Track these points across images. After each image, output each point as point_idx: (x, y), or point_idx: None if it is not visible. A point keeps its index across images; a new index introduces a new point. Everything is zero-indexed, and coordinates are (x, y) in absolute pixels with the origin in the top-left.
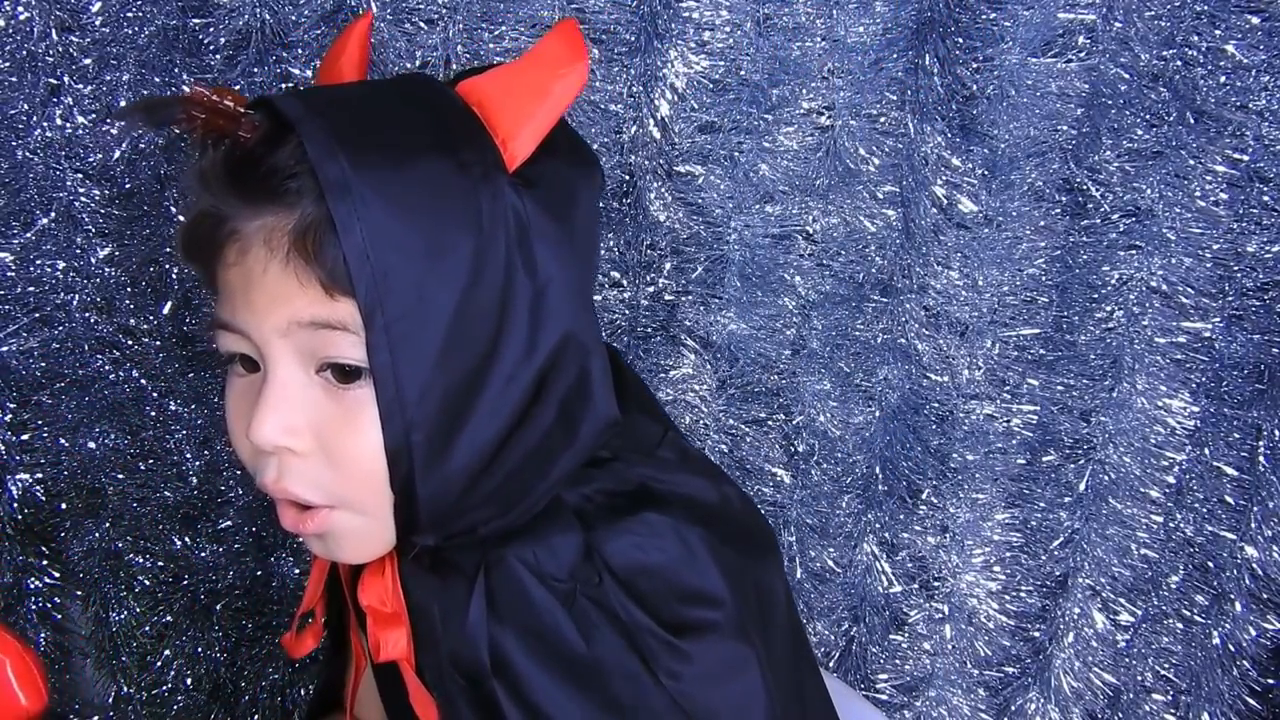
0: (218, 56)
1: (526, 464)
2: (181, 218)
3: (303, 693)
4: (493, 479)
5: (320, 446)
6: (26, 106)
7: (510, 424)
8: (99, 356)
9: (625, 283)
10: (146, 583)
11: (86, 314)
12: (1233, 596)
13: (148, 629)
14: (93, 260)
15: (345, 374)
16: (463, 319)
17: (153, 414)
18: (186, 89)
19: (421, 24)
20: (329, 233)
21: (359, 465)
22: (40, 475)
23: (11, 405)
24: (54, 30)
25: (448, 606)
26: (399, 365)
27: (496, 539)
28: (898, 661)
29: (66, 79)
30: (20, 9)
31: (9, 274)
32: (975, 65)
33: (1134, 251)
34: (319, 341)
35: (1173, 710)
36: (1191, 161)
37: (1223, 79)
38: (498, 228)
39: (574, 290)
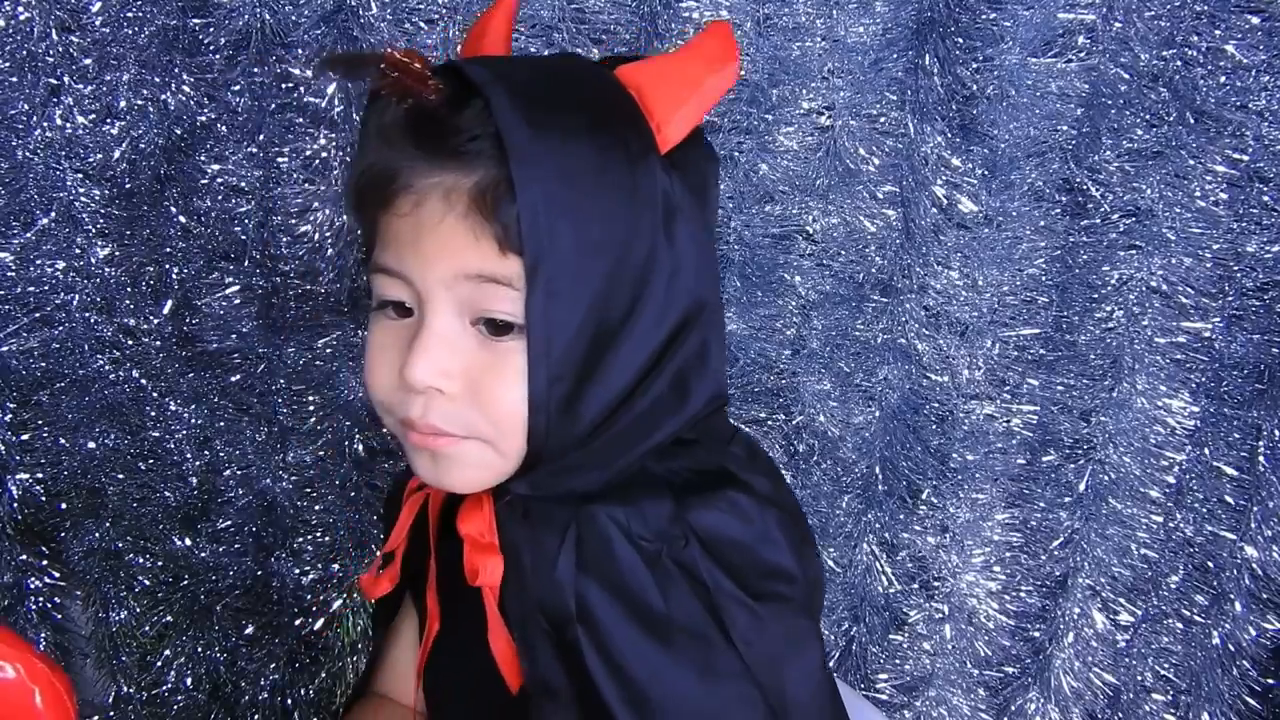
0: (218, 56)
1: (636, 426)
2: (351, 168)
3: (303, 692)
4: (604, 436)
5: (467, 389)
6: (26, 106)
7: (631, 386)
8: (99, 356)
9: None
10: (146, 583)
11: (86, 314)
12: (1233, 596)
13: (148, 629)
14: (93, 260)
15: (498, 327)
16: (610, 284)
17: (153, 414)
18: (186, 88)
19: (421, 24)
20: (506, 193)
21: (502, 409)
22: (40, 475)
23: (11, 405)
24: (54, 30)
25: (538, 554)
26: (551, 321)
27: (589, 497)
28: (898, 661)
29: (66, 79)
30: (20, 9)
31: (9, 274)
32: (975, 65)
33: (1134, 251)
34: (480, 295)
35: (1173, 710)
36: (1191, 161)
37: (1223, 79)
38: (648, 203)
39: (705, 266)
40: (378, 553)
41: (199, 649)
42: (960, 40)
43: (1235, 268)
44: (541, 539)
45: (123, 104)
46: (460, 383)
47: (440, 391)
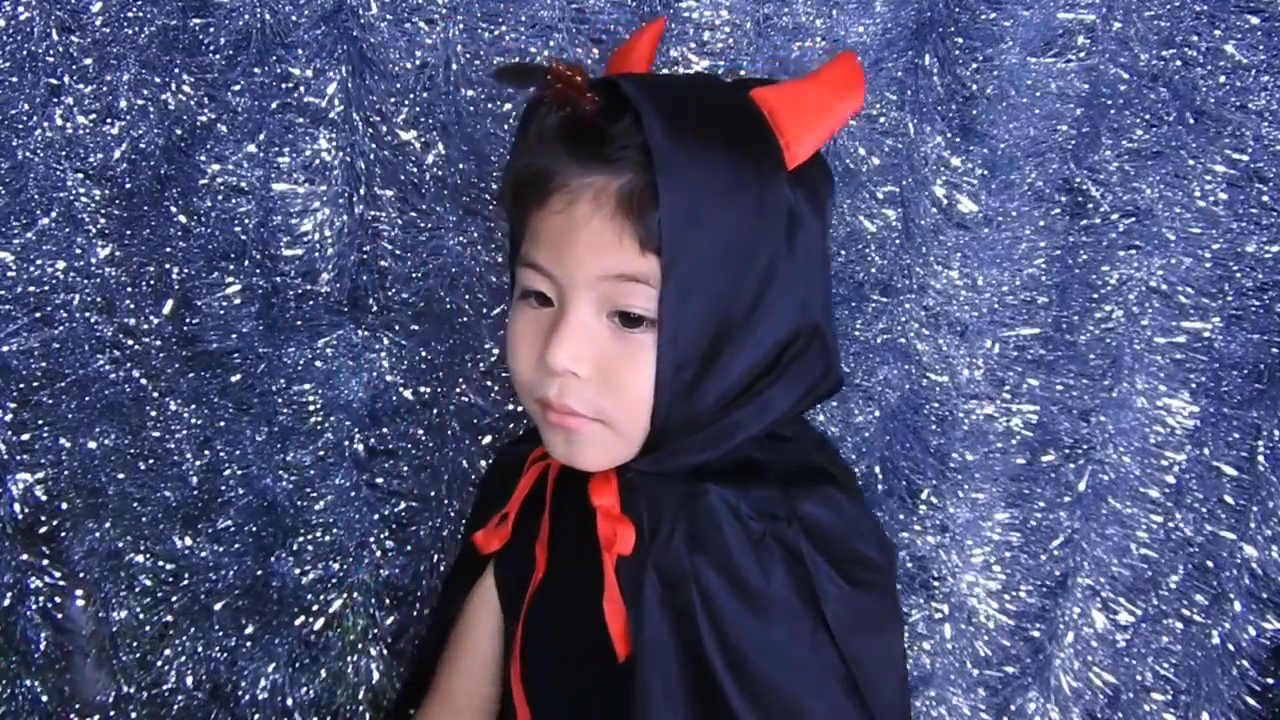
0: (218, 56)
1: (747, 415)
2: (506, 169)
3: (303, 692)
4: (719, 423)
5: (599, 375)
6: (26, 106)
7: (747, 379)
8: (99, 356)
9: None
10: (146, 583)
11: (86, 314)
12: (1233, 596)
13: (148, 629)
14: (93, 260)
15: (631, 320)
16: (735, 286)
17: (153, 414)
18: (186, 88)
19: (421, 24)
20: (650, 198)
21: (630, 394)
22: (40, 475)
23: (11, 405)
24: (54, 30)
25: (656, 524)
26: (680, 316)
27: (701, 476)
28: None
29: (66, 79)
30: (20, 9)
31: (9, 274)
32: (975, 65)
33: (1134, 251)
34: (619, 291)
35: (1172, 710)
36: (1191, 161)
37: (1223, 79)
38: (774, 215)
39: (820, 274)
40: (499, 513)
41: (199, 649)
42: (960, 40)
43: (1235, 268)
44: (659, 511)
45: (123, 104)
46: (593, 368)
47: (575, 375)
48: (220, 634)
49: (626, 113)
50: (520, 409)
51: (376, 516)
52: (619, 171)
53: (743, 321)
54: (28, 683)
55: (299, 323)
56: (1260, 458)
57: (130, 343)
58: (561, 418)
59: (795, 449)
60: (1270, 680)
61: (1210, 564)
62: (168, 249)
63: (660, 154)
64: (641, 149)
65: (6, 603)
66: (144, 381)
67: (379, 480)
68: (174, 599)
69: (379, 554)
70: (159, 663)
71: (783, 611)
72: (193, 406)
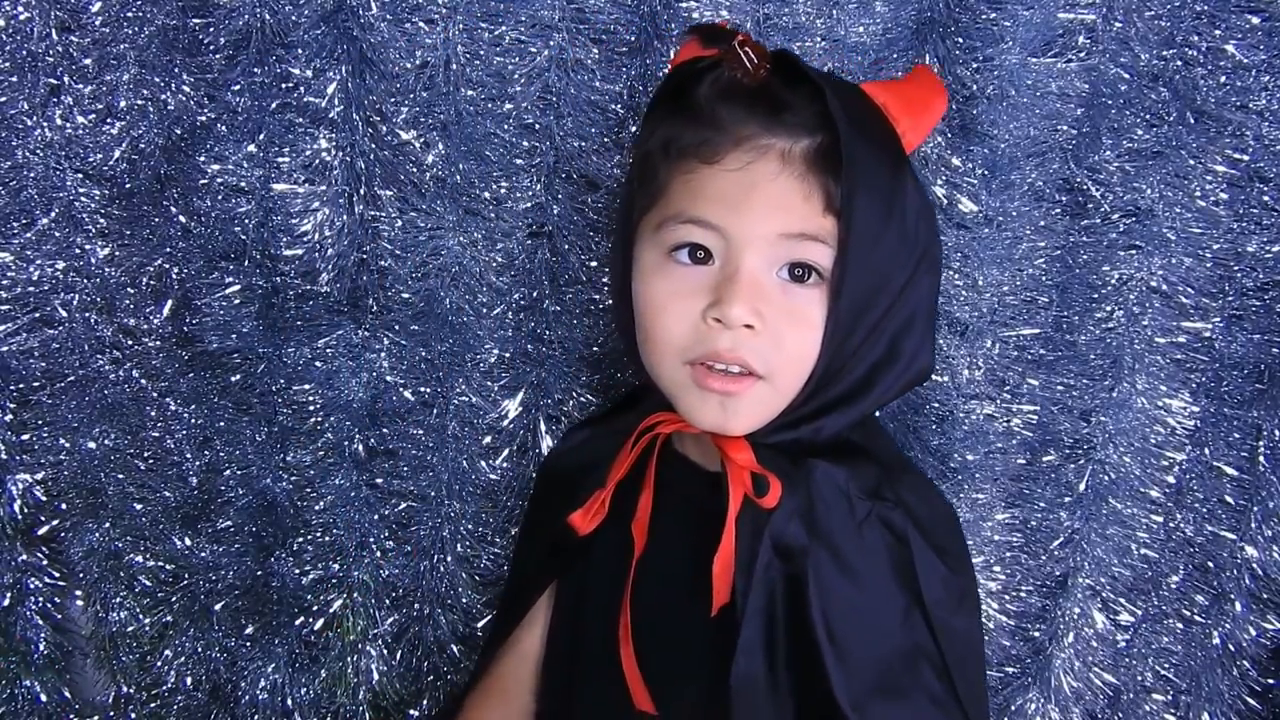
0: (218, 56)
1: (882, 384)
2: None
3: (303, 692)
4: (855, 389)
5: (771, 330)
6: (26, 106)
7: (889, 351)
8: (99, 356)
9: None
10: (147, 583)
11: (86, 314)
12: (1233, 596)
13: (148, 629)
14: (93, 260)
15: (801, 276)
16: (896, 253)
17: (153, 414)
18: (186, 88)
19: (421, 24)
20: (836, 162)
21: (799, 350)
22: (40, 475)
23: (11, 405)
24: (54, 30)
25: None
26: (855, 275)
27: (814, 452)
28: None
29: (66, 79)
30: (20, 9)
31: (9, 274)
32: (975, 65)
33: (1134, 251)
34: (796, 248)
35: (1173, 710)
36: (1191, 161)
37: (1223, 79)
38: (908, 190)
39: (935, 253)
40: (596, 493)
41: (199, 649)
42: (960, 40)
43: (1235, 268)
44: (780, 479)
45: (123, 104)
46: (766, 323)
47: (750, 329)
48: (220, 634)
49: (800, 83)
50: (521, 409)
51: (376, 516)
52: (800, 135)
53: (897, 292)
54: (28, 683)
55: (299, 323)
56: (1260, 458)
57: (130, 343)
58: (727, 383)
59: (884, 439)
60: (1270, 680)
61: (1210, 564)
62: (168, 249)
63: (843, 120)
64: (818, 117)
65: (6, 603)
66: (144, 381)
67: (379, 480)
68: (174, 599)
69: (379, 554)
70: (159, 663)
71: (882, 593)
72: (193, 406)
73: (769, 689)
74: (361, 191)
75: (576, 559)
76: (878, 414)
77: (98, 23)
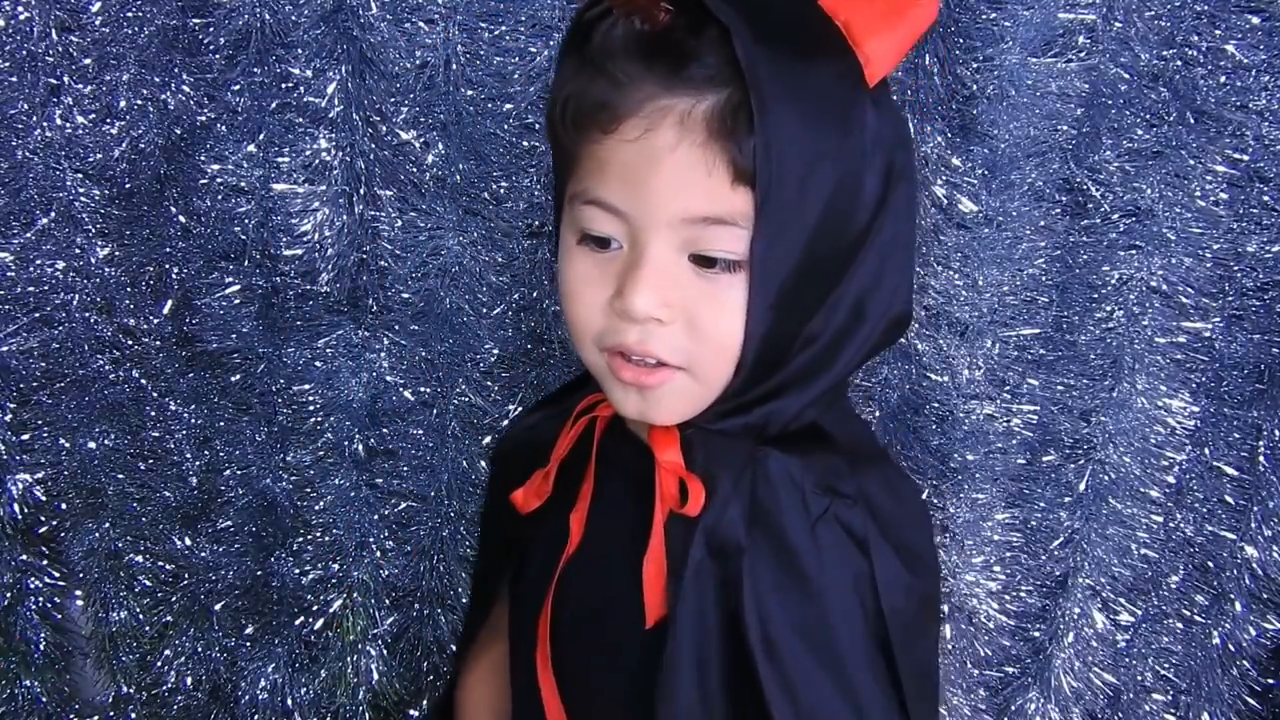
0: (218, 56)
1: (823, 350)
2: (563, 90)
3: (303, 692)
4: (800, 368)
5: (684, 319)
6: (26, 106)
7: (838, 323)
8: (99, 356)
9: None
10: (146, 583)
11: (86, 314)
12: (1233, 596)
13: (148, 629)
14: (93, 260)
15: (712, 261)
16: (824, 219)
17: (153, 414)
18: (186, 88)
19: (421, 24)
20: (745, 121)
21: (719, 340)
22: (40, 475)
23: (11, 405)
24: (54, 30)
25: (710, 488)
26: (773, 257)
27: (766, 440)
28: None
29: (66, 79)
30: (20, 9)
31: (9, 274)
32: (975, 65)
33: (1134, 251)
34: (702, 235)
35: (1173, 710)
36: (1191, 161)
37: (1223, 79)
38: (859, 137)
39: (907, 200)
40: (537, 473)
41: (199, 649)
42: (960, 40)
43: (1235, 268)
44: (716, 473)
45: (123, 104)
46: (677, 313)
47: (659, 321)
48: (220, 634)
49: (708, 25)
50: (521, 409)
51: (376, 516)
52: (705, 91)
53: (851, 250)
54: (28, 683)
55: (299, 323)
56: (1260, 458)
57: (130, 343)
58: (638, 374)
59: (856, 424)
60: (1270, 680)
61: (1210, 564)
62: (168, 249)
63: (756, 72)
64: (730, 65)
65: (6, 603)
66: (144, 381)
67: (379, 480)
68: (174, 599)
69: (379, 554)
70: (159, 663)
71: (834, 599)
72: (193, 406)
73: (700, 708)
74: (361, 191)
75: (528, 543)
76: (876, 411)
77: (98, 23)
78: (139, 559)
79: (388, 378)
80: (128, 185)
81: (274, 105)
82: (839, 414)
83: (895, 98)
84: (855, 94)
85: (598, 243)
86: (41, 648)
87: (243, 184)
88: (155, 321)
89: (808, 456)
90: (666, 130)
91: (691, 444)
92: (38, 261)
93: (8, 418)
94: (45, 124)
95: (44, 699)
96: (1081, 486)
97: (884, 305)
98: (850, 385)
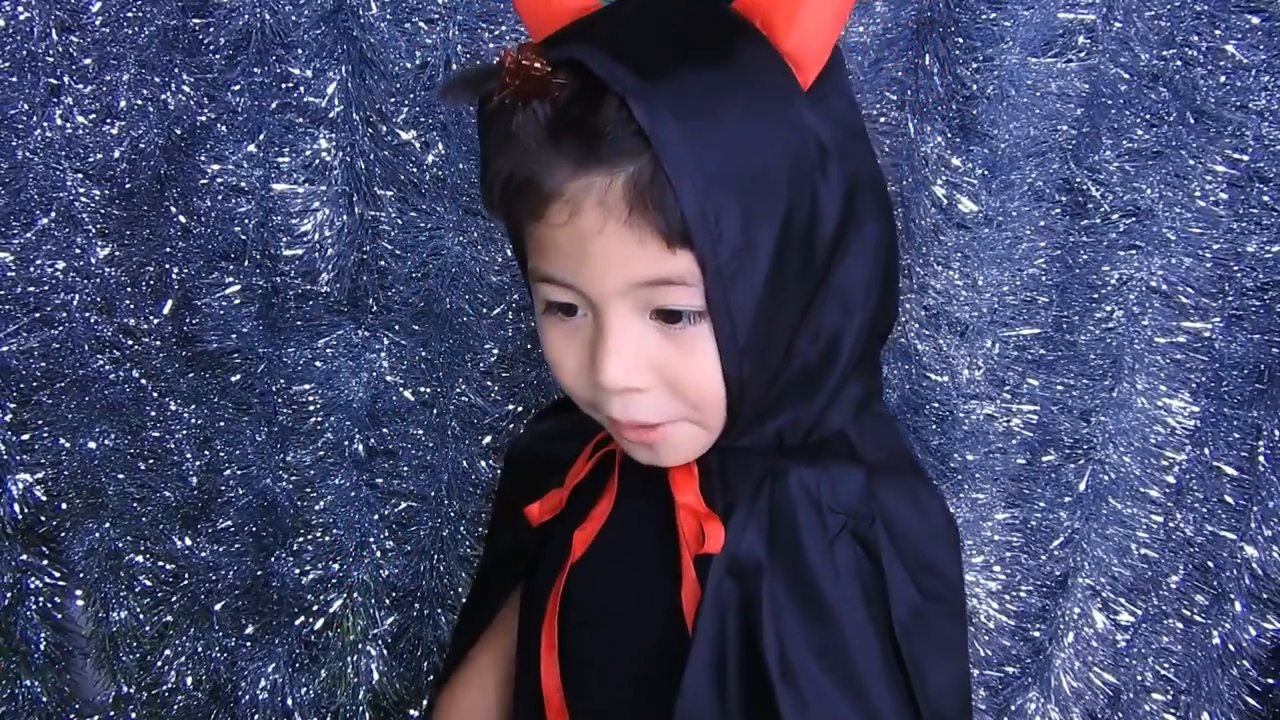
0: (218, 56)
1: (820, 355)
2: (486, 175)
3: (303, 692)
4: (789, 373)
5: (661, 380)
6: (26, 106)
7: (808, 323)
8: (99, 356)
9: None
10: (147, 583)
11: (86, 314)
12: (1233, 596)
13: (148, 629)
14: (93, 260)
15: (675, 315)
16: (782, 248)
17: (153, 414)
18: (186, 88)
19: (421, 24)
20: (664, 188)
21: (700, 391)
22: (40, 475)
23: (11, 405)
24: (54, 30)
25: (728, 510)
26: (732, 301)
27: (782, 453)
28: None
29: (66, 79)
30: (20, 9)
31: (9, 274)
32: (975, 65)
33: (1134, 251)
34: (655, 295)
35: (1173, 710)
36: (1191, 161)
37: (1223, 79)
38: (803, 153)
39: (877, 197)
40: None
41: (199, 649)
42: (960, 40)
43: (1235, 268)
44: (734, 497)
45: (123, 104)
46: (651, 375)
47: (637, 390)
48: (220, 634)
49: (607, 93)
50: (521, 409)
51: (376, 516)
52: (617, 166)
53: (798, 279)
54: (28, 683)
55: (299, 323)
56: (1260, 458)
57: (130, 343)
58: (640, 434)
59: (888, 432)
60: (1270, 680)
61: (1210, 564)
62: (168, 249)
63: (661, 139)
64: (638, 132)
65: (6, 603)
66: (144, 381)
67: (379, 480)
68: (174, 599)
69: (379, 554)
70: (159, 663)
71: (850, 617)
72: (193, 406)
73: None
74: (361, 191)
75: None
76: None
77: (98, 23)
78: (139, 559)
79: (388, 378)
80: (128, 185)
81: (274, 105)
82: (871, 421)
83: (895, 97)
84: (787, 109)
85: (564, 310)
86: (41, 648)
87: (243, 184)
88: (155, 321)
89: (827, 470)
90: (589, 212)
91: (710, 472)
92: (38, 261)
93: (8, 418)
94: (45, 124)
95: (44, 699)
96: (1081, 486)
97: (868, 295)
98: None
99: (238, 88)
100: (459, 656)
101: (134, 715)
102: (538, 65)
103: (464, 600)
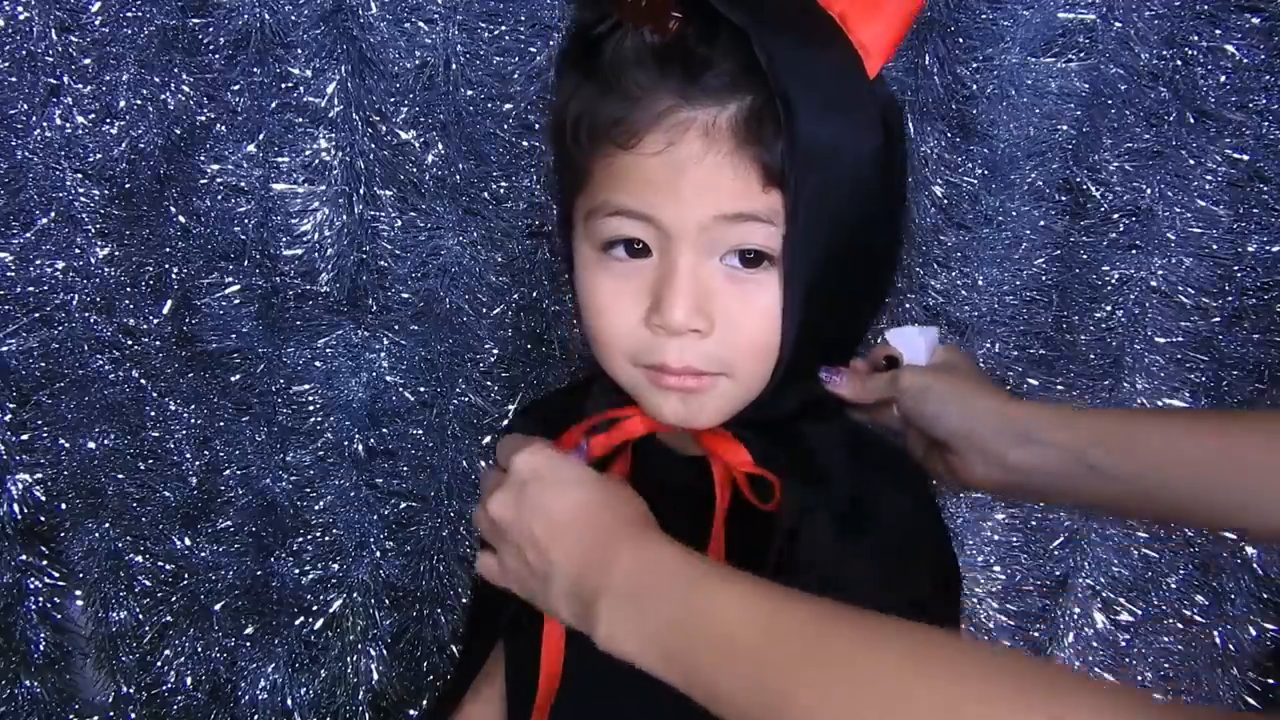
0: (217, 56)
1: (850, 330)
2: (567, 103)
3: (303, 692)
4: (828, 334)
5: (721, 326)
6: (26, 106)
7: (860, 306)
8: (99, 356)
9: None
10: (146, 583)
11: (86, 314)
12: (1233, 596)
13: (148, 629)
14: (93, 260)
15: (749, 260)
16: (850, 210)
17: (153, 414)
18: (186, 88)
19: (421, 24)
20: (769, 122)
21: (756, 343)
22: (40, 475)
23: (11, 405)
24: (54, 30)
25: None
26: (806, 254)
27: (795, 417)
28: None
29: (66, 79)
30: (20, 9)
31: (9, 274)
32: (975, 65)
33: (1134, 251)
34: (736, 232)
35: None
36: (1191, 161)
37: (1223, 79)
38: (874, 123)
39: (903, 188)
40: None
41: (199, 649)
42: (960, 40)
43: (1235, 268)
44: (779, 463)
45: (122, 104)
46: (713, 321)
47: (698, 333)
48: (220, 634)
49: (719, 30)
50: (509, 421)
51: (376, 516)
52: (725, 99)
53: (853, 244)
54: (28, 683)
55: (299, 323)
56: None
57: (130, 343)
58: (682, 379)
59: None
60: (1270, 680)
61: (1210, 564)
62: (168, 249)
63: (775, 72)
64: (745, 69)
65: (6, 603)
66: (144, 381)
67: (379, 480)
68: (174, 599)
69: (379, 554)
70: (159, 663)
71: (894, 544)
72: (193, 406)
73: None
74: (361, 191)
75: None
76: None
77: (98, 23)
78: (139, 559)
79: (388, 378)
80: (128, 185)
81: (274, 105)
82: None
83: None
84: (864, 79)
85: (627, 249)
86: (41, 648)
87: (243, 184)
88: (155, 321)
89: (833, 422)
90: (691, 142)
91: (748, 442)
92: (38, 261)
93: (8, 418)
94: (45, 124)
95: (44, 699)
96: None
97: (890, 271)
98: None
99: (237, 88)
100: (457, 695)
101: (134, 715)
102: None
103: (465, 600)
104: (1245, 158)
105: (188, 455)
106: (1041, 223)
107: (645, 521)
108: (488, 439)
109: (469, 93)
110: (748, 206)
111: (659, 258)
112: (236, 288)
